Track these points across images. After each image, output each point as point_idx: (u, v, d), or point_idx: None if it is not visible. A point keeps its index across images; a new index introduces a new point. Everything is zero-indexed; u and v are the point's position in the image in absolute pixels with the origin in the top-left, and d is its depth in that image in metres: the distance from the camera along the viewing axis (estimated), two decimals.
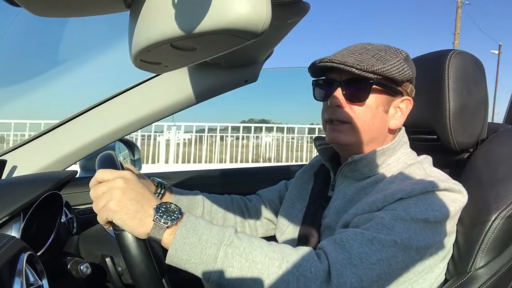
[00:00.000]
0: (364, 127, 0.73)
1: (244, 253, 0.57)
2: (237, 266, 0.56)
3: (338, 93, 0.73)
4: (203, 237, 0.58)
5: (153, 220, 0.57)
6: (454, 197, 0.68)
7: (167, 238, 0.58)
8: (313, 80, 0.80)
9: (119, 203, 0.57)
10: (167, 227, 0.57)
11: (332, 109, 0.75)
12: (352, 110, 0.73)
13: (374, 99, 0.73)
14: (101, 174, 0.62)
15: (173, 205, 0.60)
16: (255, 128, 8.51)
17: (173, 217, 0.58)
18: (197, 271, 0.58)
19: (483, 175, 0.78)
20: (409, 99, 0.76)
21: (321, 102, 0.80)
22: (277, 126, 8.57)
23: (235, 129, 8.38)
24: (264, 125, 8.64)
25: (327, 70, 0.76)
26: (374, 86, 0.71)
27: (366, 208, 0.67)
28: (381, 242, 0.59)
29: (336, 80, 0.74)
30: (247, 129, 8.40)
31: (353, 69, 0.69)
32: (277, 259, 0.58)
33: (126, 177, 0.60)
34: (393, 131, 0.78)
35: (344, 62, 0.70)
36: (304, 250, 0.60)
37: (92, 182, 0.62)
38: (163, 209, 0.59)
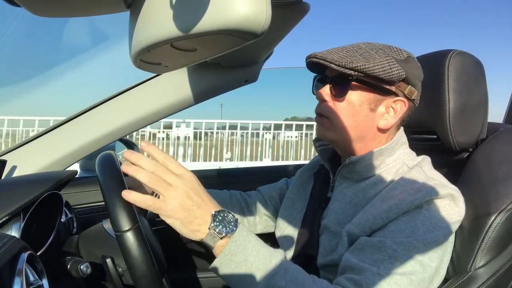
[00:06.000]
0: (345, 124, 0.73)
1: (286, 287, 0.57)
2: None
3: (326, 88, 0.75)
4: (249, 258, 0.58)
5: (209, 228, 0.57)
6: (457, 209, 0.67)
7: (218, 248, 0.58)
8: (314, 76, 0.82)
9: (179, 207, 0.56)
10: (221, 238, 0.57)
11: (319, 104, 0.77)
12: (334, 105, 0.74)
13: (357, 96, 0.72)
14: (164, 157, 0.58)
15: (230, 214, 0.60)
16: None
17: (227, 229, 0.58)
18: (234, 287, 0.59)
19: (483, 174, 0.78)
20: (403, 100, 0.73)
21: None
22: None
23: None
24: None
25: (324, 66, 0.76)
26: (354, 83, 0.71)
27: (370, 220, 0.66)
28: (398, 284, 0.60)
29: (328, 76, 0.75)
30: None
31: (332, 65, 0.70)
32: None
33: (191, 179, 0.59)
34: (383, 131, 0.76)
35: (324, 58, 0.71)
36: None
37: (145, 156, 0.59)
38: (219, 218, 0.58)
